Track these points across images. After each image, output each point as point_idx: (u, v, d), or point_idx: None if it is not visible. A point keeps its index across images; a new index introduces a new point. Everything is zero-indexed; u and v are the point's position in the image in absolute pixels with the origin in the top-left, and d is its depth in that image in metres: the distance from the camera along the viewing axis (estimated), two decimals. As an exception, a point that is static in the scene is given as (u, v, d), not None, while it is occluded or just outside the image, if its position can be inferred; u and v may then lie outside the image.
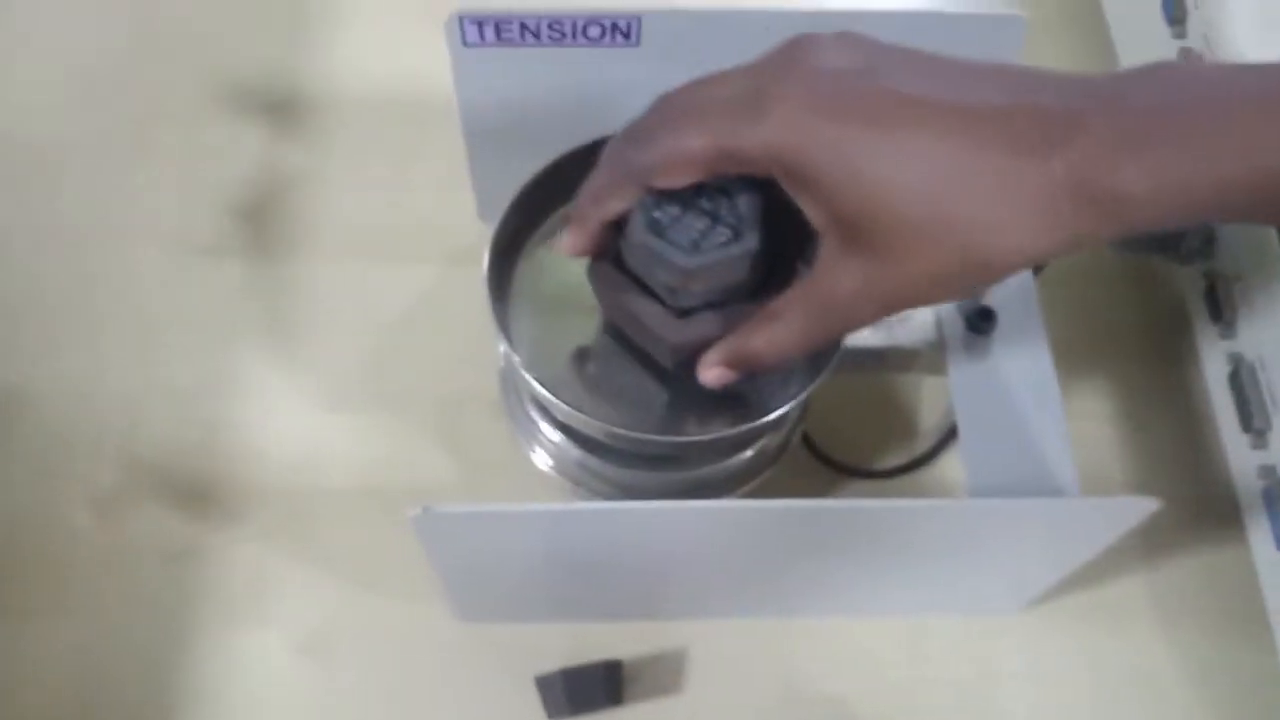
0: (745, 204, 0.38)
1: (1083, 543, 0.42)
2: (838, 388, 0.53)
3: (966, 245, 0.33)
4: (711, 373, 0.39)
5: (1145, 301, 0.58)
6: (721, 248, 0.37)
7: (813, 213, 0.35)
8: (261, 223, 0.58)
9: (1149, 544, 0.52)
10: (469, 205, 0.56)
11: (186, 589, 0.49)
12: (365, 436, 0.53)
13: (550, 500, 0.50)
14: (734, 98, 0.34)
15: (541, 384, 0.41)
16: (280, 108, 0.61)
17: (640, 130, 0.37)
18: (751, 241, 0.38)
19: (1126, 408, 0.56)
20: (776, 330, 0.37)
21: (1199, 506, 0.53)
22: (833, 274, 0.35)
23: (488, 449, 0.52)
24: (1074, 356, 0.54)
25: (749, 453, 0.47)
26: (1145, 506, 0.37)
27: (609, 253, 0.41)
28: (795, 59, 0.34)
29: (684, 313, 0.40)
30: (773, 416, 0.42)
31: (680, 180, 0.36)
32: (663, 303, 0.40)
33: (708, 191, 0.38)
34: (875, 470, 0.53)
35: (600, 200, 0.38)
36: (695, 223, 0.38)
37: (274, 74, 0.63)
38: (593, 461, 0.46)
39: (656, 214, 0.38)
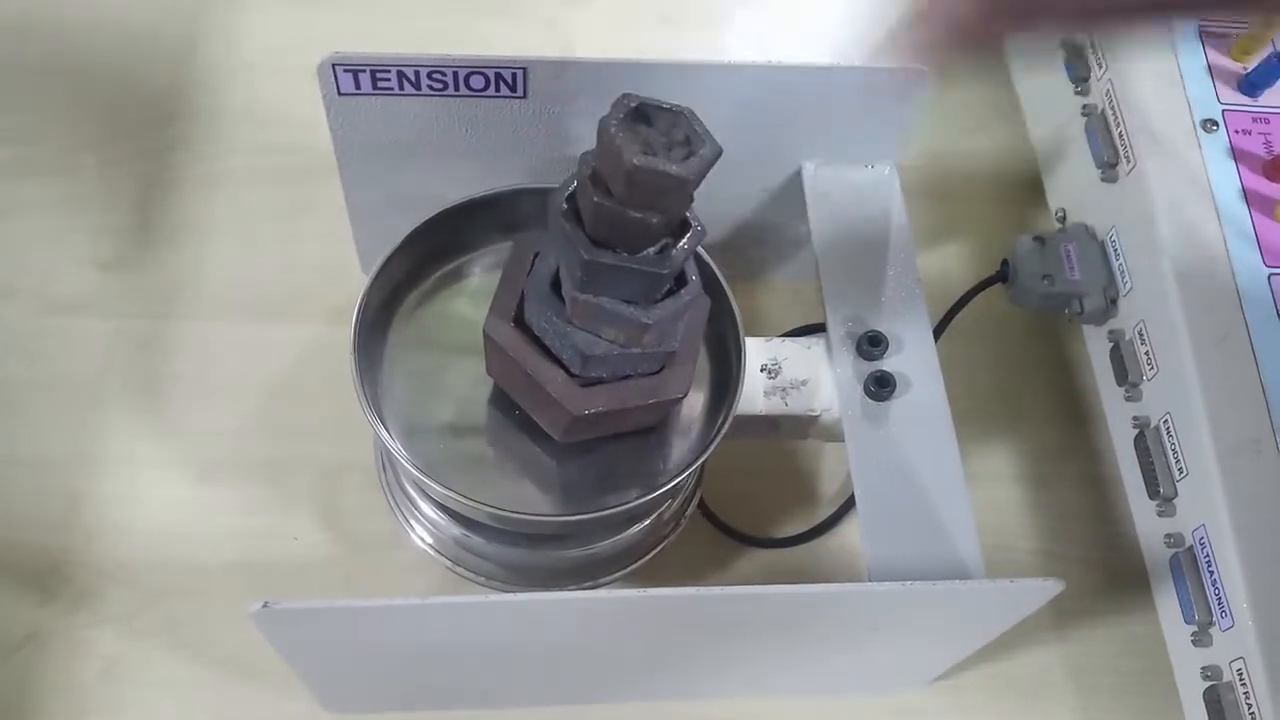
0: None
1: (988, 623, 0.40)
2: (735, 455, 0.51)
3: None
4: None
5: (1051, 362, 0.57)
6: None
7: None
8: (133, 278, 0.54)
9: (1060, 611, 0.50)
10: (354, 262, 0.53)
11: (31, 681, 0.45)
12: (238, 509, 0.49)
13: (431, 579, 0.47)
14: None
15: (415, 460, 0.38)
16: (160, 154, 0.58)
17: None
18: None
19: (1034, 470, 0.54)
20: None
21: (1109, 571, 0.52)
22: None
23: (368, 522, 0.49)
24: (979, 418, 0.53)
25: (643, 525, 0.45)
26: (1050, 589, 0.36)
27: (509, 311, 0.38)
28: None
29: (587, 383, 0.37)
30: (664, 490, 0.39)
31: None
32: (566, 370, 0.37)
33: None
34: (776, 539, 0.50)
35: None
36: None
37: (154, 117, 0.59)
38: (474, 540, 0.43)
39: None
